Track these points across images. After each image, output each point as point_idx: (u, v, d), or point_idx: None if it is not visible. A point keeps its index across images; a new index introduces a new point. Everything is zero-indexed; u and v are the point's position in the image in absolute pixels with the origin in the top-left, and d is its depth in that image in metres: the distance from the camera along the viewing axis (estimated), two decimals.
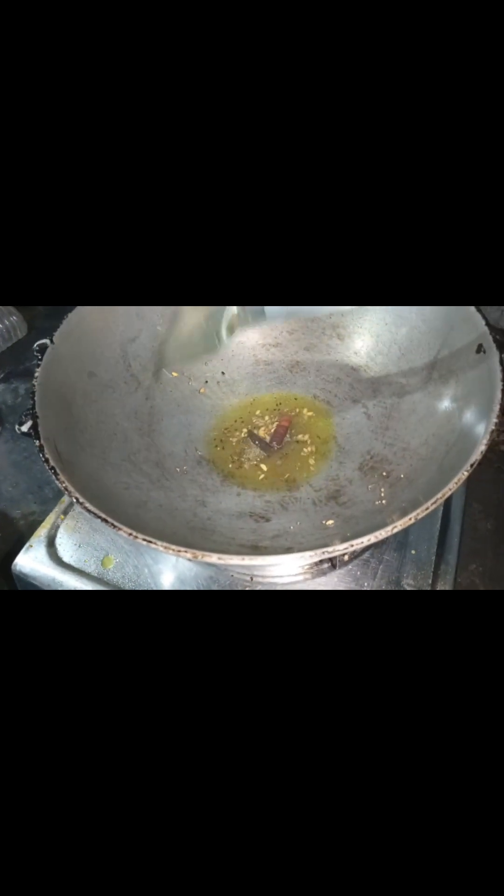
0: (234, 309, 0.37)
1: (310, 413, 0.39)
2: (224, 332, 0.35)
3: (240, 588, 0.33)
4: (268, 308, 0.35)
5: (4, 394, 0.63)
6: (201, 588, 0.34)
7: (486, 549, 0.46)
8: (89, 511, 0.24)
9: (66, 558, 0.36)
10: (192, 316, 0.37)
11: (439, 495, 0.23)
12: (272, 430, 0.37)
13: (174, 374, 0.37)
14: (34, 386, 0.29)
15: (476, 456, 0.24)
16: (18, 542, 0.49)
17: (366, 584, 0.33)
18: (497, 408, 0.26)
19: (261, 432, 0.37)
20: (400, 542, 0.34)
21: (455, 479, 0.24)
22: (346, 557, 0.34)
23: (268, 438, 0.37)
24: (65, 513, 0.38)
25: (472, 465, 0.24)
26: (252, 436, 0.37)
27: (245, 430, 0.38)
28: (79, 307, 0.34)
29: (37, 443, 0.26)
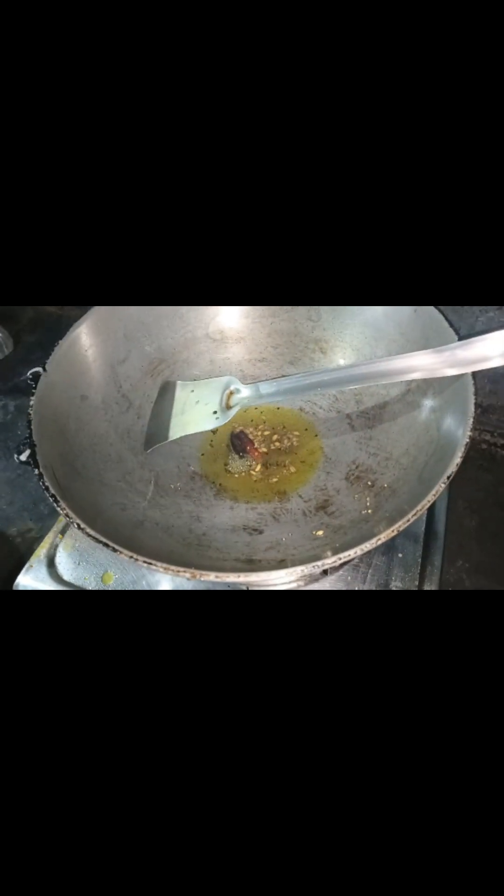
0: (228, 387, 0.38)
1: (296, 425, 0.40)
2: (220, 410, 0.37)
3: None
4: (261, 384, 0.37)
5: None
6: None
7: (471, 545, 0.48)
8: (90, 536, 0.25)
9: (67, 576, 0.37)
10: (185, 394, 0.39)
11: (419, 507, 0.25)
12: (249, 441, 0.39)
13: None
14: (30, 415, 0.30)
15: (452, 468, 0.26)
16: (17, 560, 0.50)
17: (356, 587, 0.35)
18: (471, 420, 0.28)
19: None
20: (387, 545, 0.36)
21: (433, 491, 0.25)
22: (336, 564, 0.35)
23: (246, 446, 0.38)
24: (62, 532, 0.39)
25: (448, 478, 0.26)
26: (233, 437, 0.39)
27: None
28: (69, 333, 0.35)
29: (36, 471, 0.27)
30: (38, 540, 0.52)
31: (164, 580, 0.36)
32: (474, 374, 0.30)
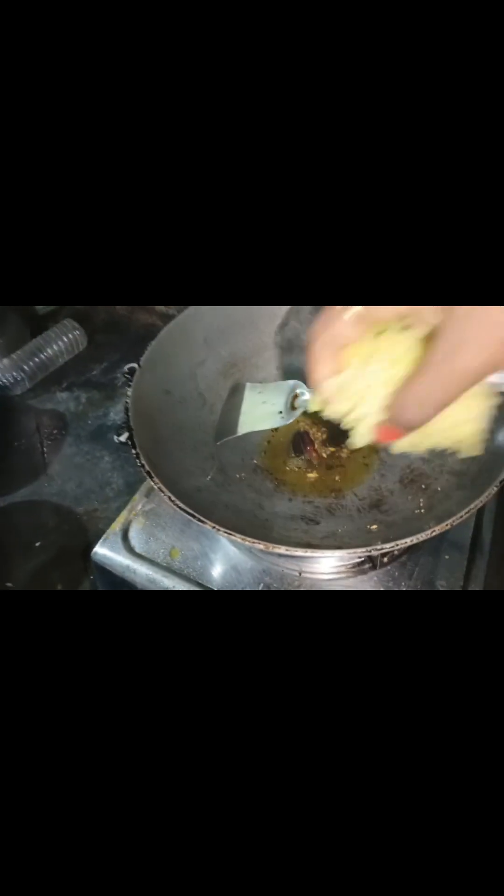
0: (294, 390, 0.39)
1: None
2: (285, 410, 0.38)
3: (288, 581, 0.38)
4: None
5: (68, 401, 0.70)
6: (255, 579, 0.39)
7: None
8: (179, 507, 0.29)
9: (139, 549, 0.41)
10: (254, 395, 0.41)
11: (472, 506, 0.28)
12: (310, 441, 0.42)
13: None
14: (127, 403, 0.35)
15: None
16: (84, 535, 0.55)
17: (402, 583, 0.37)
18: None
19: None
20: (434, 547, 0.39)
21: (486, 493, 0.28)
22: (385, 559, 0.38)
23: (306, 446, 0.42)
24: (144, 499, 0.43)
25: (501, 482, 0.28)
26: (297, 437, 0.42)
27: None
28: (159, 335, 0.40)
29: (133, 451, 0.32)
30: (103, 519, 0.57)
31: (224, 561, 0.40)
32: None
